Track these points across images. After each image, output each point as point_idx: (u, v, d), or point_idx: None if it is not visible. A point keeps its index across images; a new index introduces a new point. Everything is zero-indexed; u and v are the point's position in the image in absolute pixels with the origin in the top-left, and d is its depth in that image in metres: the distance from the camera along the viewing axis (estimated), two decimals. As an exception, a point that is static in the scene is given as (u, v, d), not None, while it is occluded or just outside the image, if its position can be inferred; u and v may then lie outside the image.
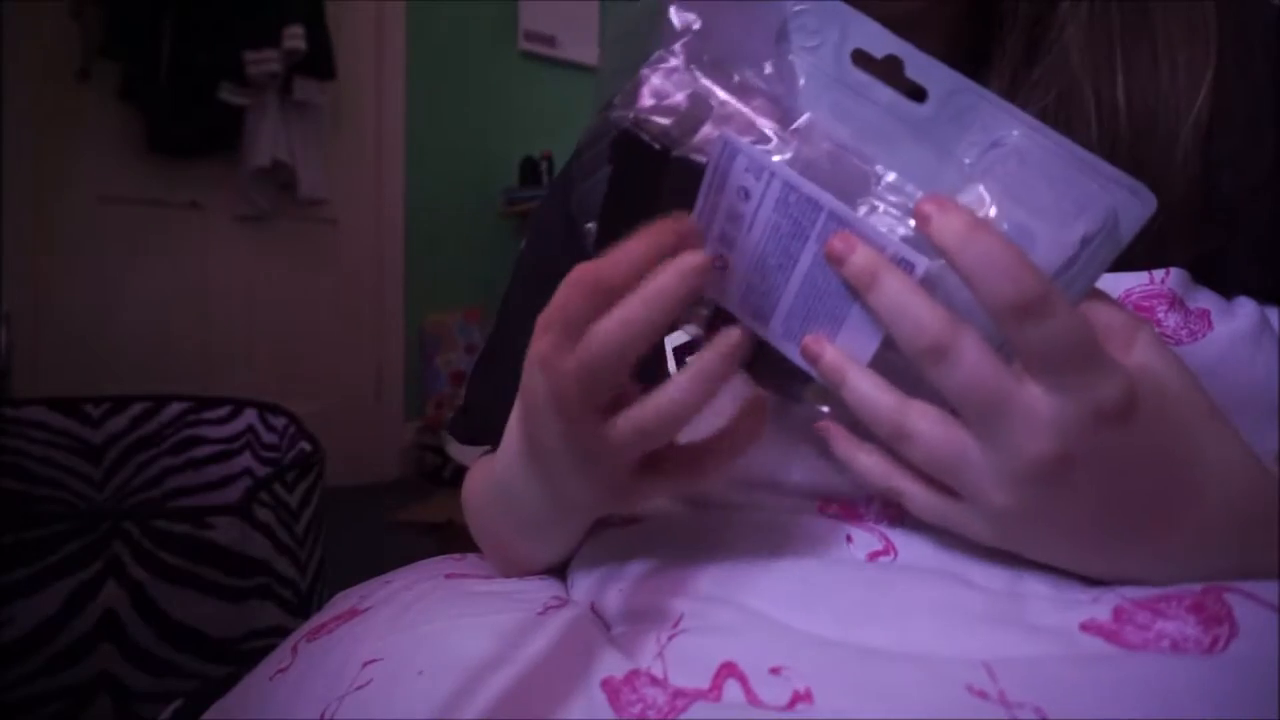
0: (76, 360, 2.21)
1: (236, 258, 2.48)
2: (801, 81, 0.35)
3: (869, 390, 0.33)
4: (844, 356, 0.34)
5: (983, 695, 0.28)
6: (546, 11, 3.07)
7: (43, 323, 2.18)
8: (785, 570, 0.36)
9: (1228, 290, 0.41)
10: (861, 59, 0.34)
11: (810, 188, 0.33)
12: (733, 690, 0.31)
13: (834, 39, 0.34)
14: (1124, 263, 0.41)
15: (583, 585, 0.44)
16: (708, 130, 0.35)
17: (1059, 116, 0.42)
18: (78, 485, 1.34)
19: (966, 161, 0.33)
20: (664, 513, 0.44)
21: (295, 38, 2.27)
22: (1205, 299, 0.40)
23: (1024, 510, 0.31)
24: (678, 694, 0.31)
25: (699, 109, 0.35)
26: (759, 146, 0.34)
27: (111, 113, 2.26)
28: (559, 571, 0.49)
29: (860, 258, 0.32)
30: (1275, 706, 0.27)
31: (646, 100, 0.36)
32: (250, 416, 1.43)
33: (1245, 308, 0.40)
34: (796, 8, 0.35)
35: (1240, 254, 0.41)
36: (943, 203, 0.30)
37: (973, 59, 0.45)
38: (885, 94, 0.34)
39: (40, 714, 0.95)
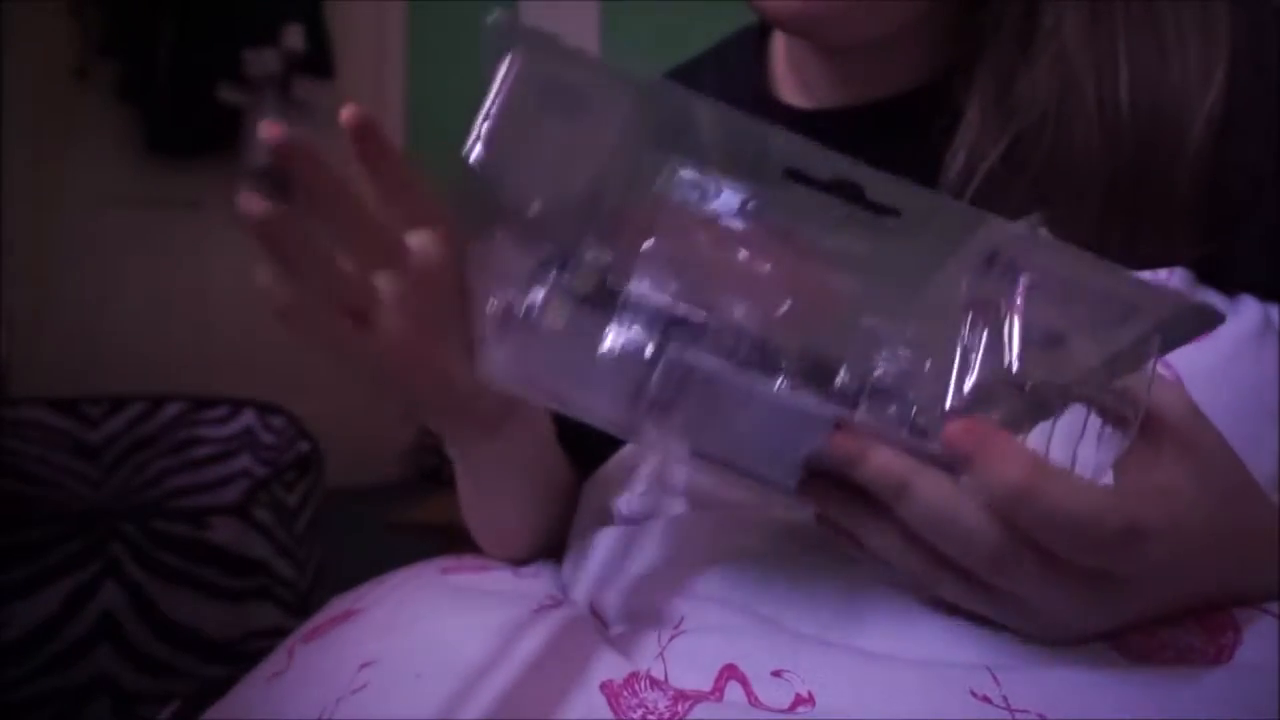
0: (75, 360, 2.20)
1: (236, 258, 2.47)
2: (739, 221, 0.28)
3: (895, 552, 0.29)
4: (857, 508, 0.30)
5: (986, 700, 0.28)
6: (546, 11, 3.06)
7: (41, 322, 2.18)
8: (788, 572, 0.36)
9: (1229, 289, 0.40)
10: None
11: (804, 403, 0.27)
12: (734, 692, 0.31)
13: (750, 154, 0.28)
14: (1130, 262, 0.40)
15: (582, 585, 0.44)
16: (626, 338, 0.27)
17: (1059, 118, 0.41)
18: (76, 486, 1.34)
19: (964, 285, 0.28)
20: (664, 513, 0.44)
21: (295, 36, 2.26)
22: (1209, 299, 0.40)
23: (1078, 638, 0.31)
24: (679, 697, 0.31)
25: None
26: (717, 337, 0.27)
27: (110, 112, 2.25)
28: (554, 569, 0.49)
29: (879, 464, 0.27)
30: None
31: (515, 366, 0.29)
32: (249, 417, 1.43)
33: (1248, 307, 0.39)
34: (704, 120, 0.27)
35: (1243, 252, 0.41)
36: (985, 438, 0.25)
37: (964, 60, 0.45)
38: (843, 212, 0.28)
39: (39, 715, 0.94)
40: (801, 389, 0.27)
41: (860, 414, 0.27)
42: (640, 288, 0.28)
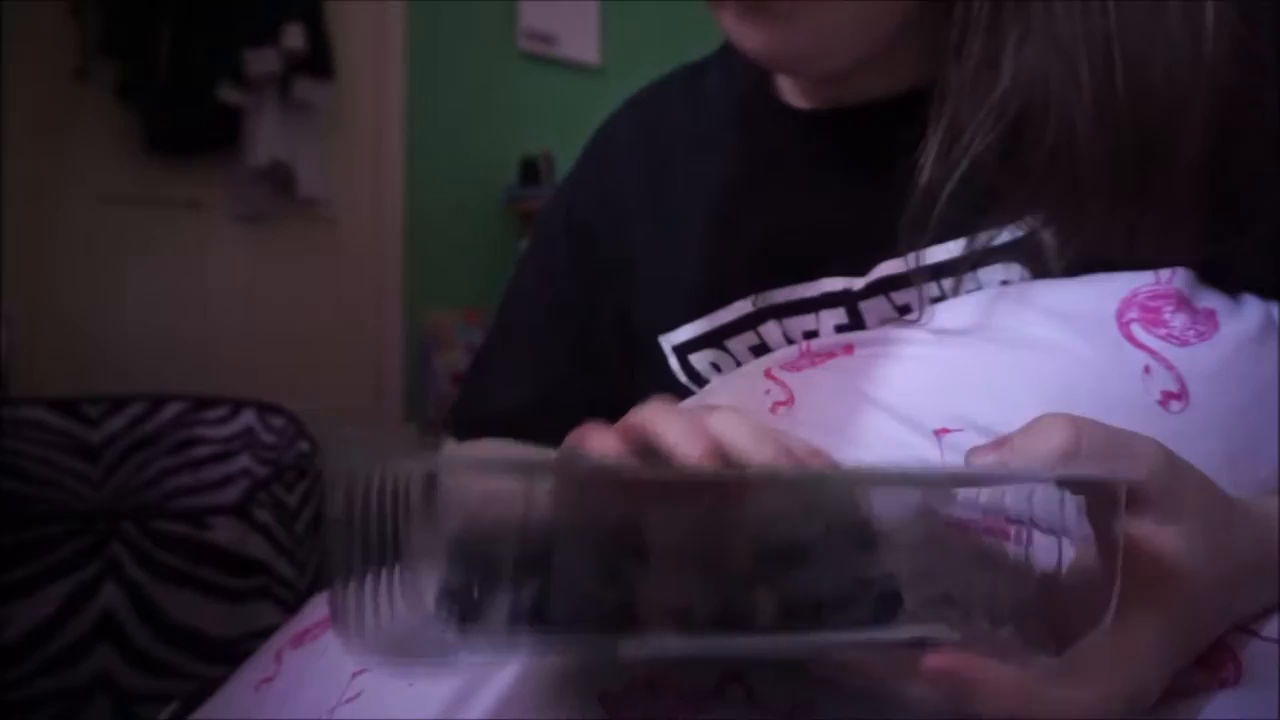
0: (75, 360, 2.20)
1: (236, 258, 2.48)
2: None
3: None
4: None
5: None
6: (546, 11, 3.06)
7: (41, 322, 2.18)
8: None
9: (1231, 288, 0.40)
10: None
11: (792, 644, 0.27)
12: (735, 693, 0.31)
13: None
14: (1132, 262, 0.40)
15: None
16: None
17: (1059, 115, 0.40)
18: (76, 485, 1.34)
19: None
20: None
21: (294, 36, 2.26)
22: (1211, 299, 0.39)
23: None
24: (678, 705, 0.31)
25: None
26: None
27: (110, 112, 2.25)
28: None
29: (861, 684, 0.29)
30: None
31: None
32: (249, 417, 1.42)
33: (1251, 307, 0.39)
34: None
35: (1244, 252, 0.40)
36: (966, 677, 0.25)
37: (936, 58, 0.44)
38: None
39: (39, 715, 0.94)
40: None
41: (843, 628, 0.27)
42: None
